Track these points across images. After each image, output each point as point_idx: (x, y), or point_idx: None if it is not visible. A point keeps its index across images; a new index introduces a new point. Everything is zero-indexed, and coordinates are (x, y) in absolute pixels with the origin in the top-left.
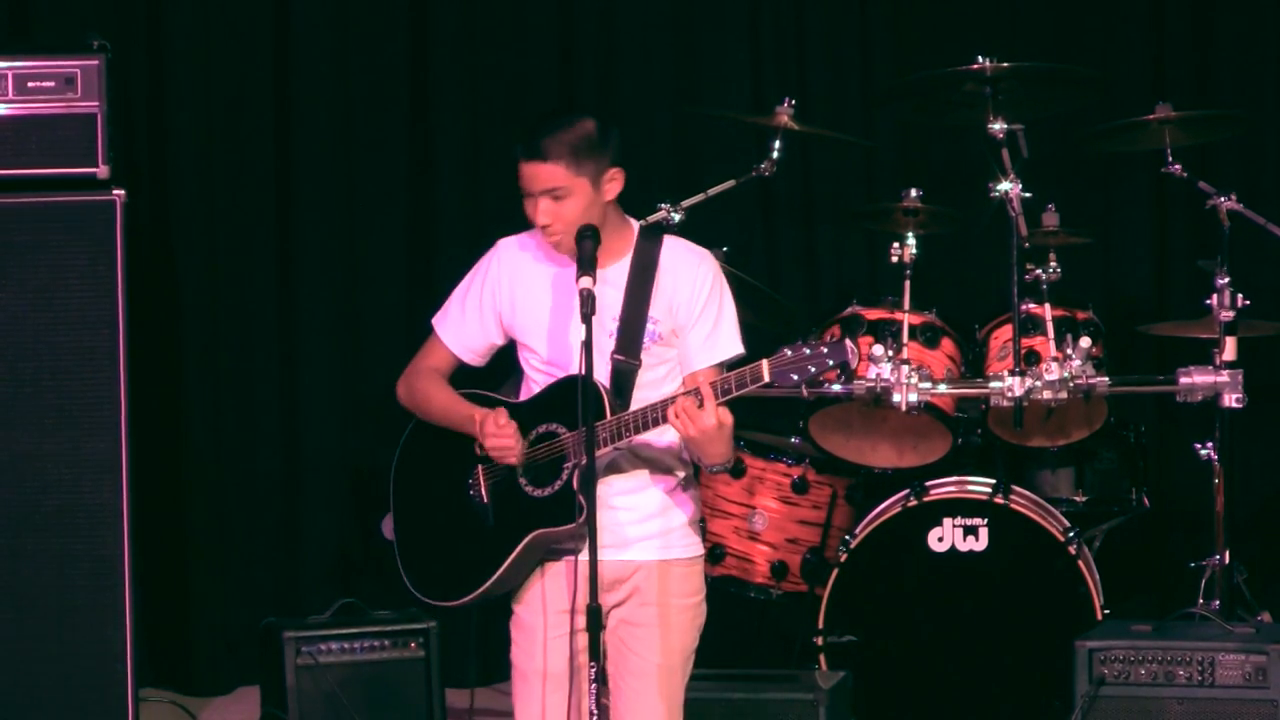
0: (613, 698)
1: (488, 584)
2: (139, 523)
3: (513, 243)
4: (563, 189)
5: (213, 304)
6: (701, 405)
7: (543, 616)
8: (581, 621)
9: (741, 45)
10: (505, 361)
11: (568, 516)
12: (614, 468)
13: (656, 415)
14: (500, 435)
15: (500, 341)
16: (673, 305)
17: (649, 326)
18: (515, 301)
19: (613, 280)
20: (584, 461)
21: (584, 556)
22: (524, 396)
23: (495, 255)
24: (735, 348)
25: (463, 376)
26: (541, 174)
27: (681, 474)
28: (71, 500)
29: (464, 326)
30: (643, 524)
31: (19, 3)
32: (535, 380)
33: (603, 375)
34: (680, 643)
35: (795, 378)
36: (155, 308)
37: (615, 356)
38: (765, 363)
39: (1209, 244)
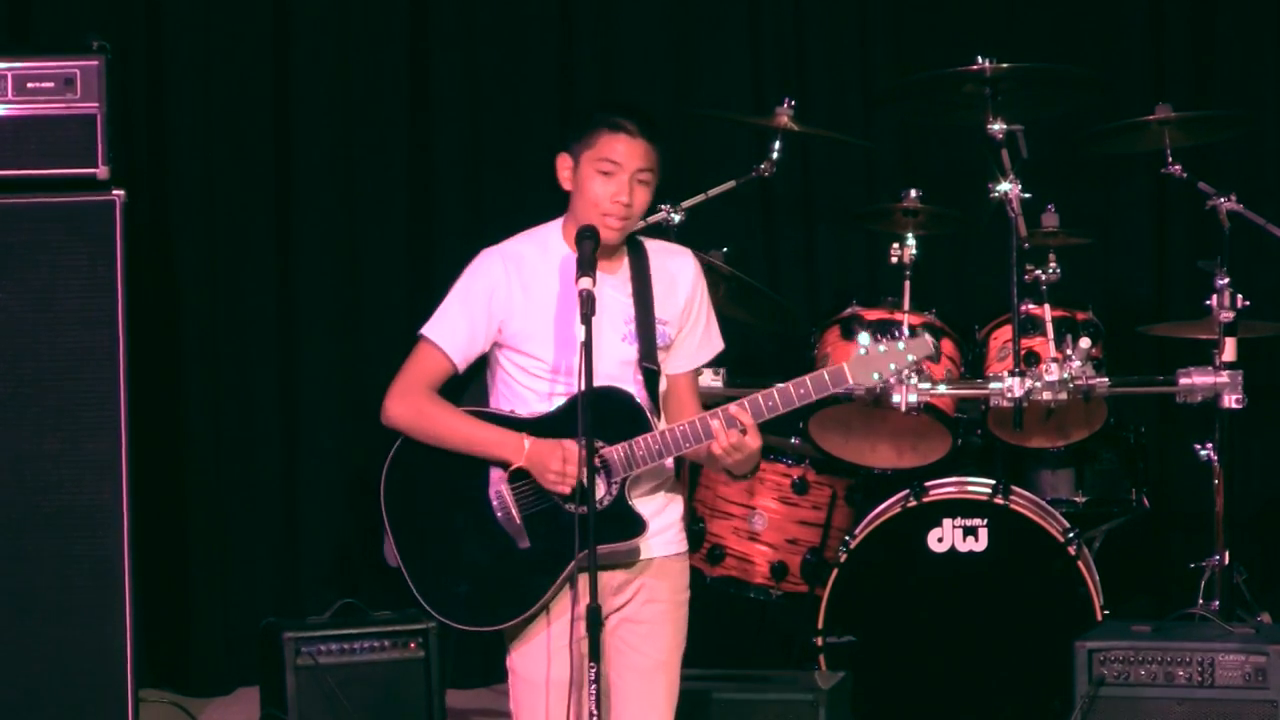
0: (612, 698)
1: (539, 604)
2: (139, 523)
3: (507, 250)
4: (651, 173)
5: (213, 304)
6: (745, 432)
7: (547, 626)
8: (581, 627)
9: (741, 46)
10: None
11: (622, 532)
12: None
13: (705, 430)
14: (571, 474)
15: (486, 350)
16: (678, 307)
17: (660, 329)
18: (525, 308)
19: (620, 285)
20: (634, 474)
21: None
22: (506, 404)
23: (496, 262)
24: (720, 344)
25: None
26: (646, 154)
27: (672, 468)
28: (71, 500)
29: (466, 334)
30: (654, 520)
31: (19, 3)
32: (531, 387)
33: (631, 383)
34: (680, 638)
35: (878, 378)
36: (155, 308)
37: (645, 364)
38: (845, 366)
39: (1209, 244)
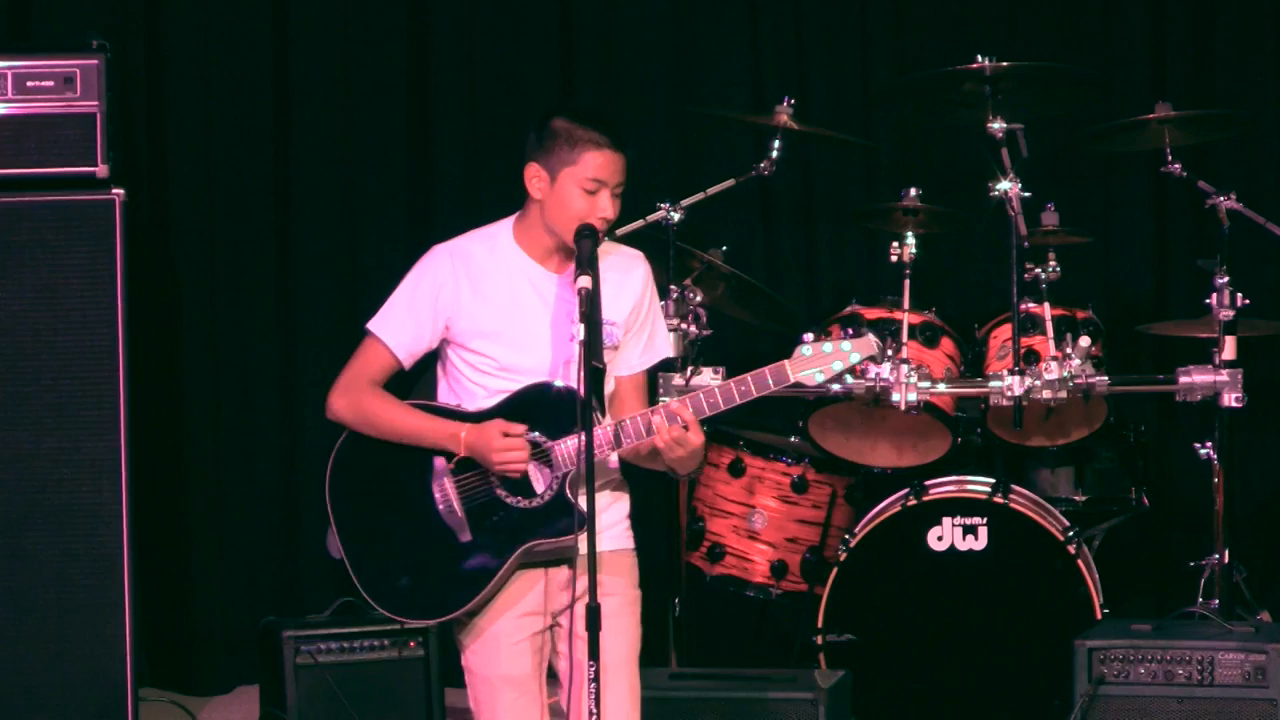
0: (572, 696)
1: (478, 598)
2: (139, 522)
3: (456, 248)
4: (623, 184)
5: (213, 304)
6: (687, 428)
7: (502, 623)
8: (545, 623)
9: (741, 45)
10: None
11: (565, 527)
12: None
13: (647, 426)
14: (514, 449)
15: (434, 346)
16: (625, 310)
17: (607, 329)
18: (473, 306)
19: (568, 283)
20: (581, 469)
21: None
22: (453, 399)
23: (446, 259)
24: (666, 351)
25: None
26: (624, 166)
27: (616, 466)
28: (71, 500)
29: (411, 331)
30: (599, 516)
31: (19, 3)
32: (479, 383)
33: (575, 380)
34: (637, 634)
35: (821, 378)
36: (155, 308)
37: (591, 362)
38: (787, 364)
39: (1208, 243)
